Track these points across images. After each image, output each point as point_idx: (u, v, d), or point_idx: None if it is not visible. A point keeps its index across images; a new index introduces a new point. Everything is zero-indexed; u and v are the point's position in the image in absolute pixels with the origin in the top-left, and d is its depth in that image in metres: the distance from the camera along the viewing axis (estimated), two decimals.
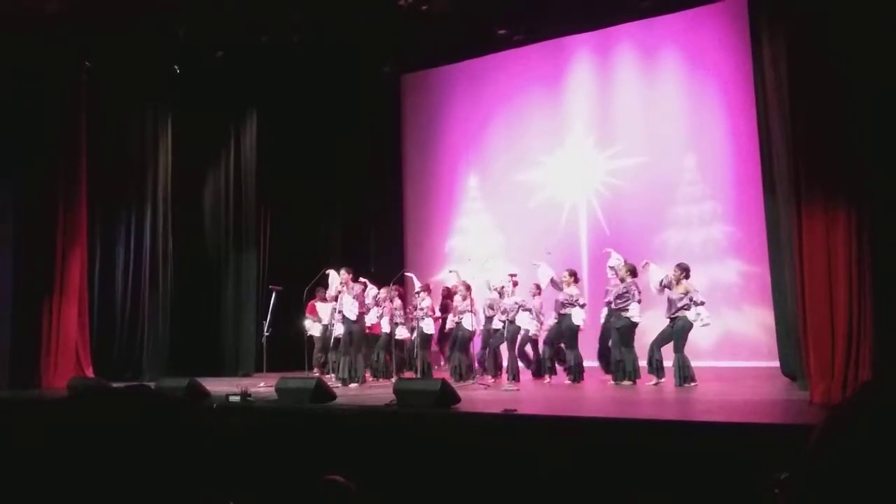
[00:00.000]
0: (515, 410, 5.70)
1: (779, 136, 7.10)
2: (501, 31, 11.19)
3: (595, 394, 7.89)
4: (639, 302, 8.44)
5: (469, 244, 12.67)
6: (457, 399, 6.22)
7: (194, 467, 0.96)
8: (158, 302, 11.04)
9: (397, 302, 10.38)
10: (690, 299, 8.13)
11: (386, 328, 10.18)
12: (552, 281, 9.06)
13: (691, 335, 8.28)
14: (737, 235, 10.60)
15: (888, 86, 6.08)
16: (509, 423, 5.52)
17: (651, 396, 7.48)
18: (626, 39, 11.62)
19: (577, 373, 8.81)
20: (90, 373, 9.74)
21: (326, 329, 10.12)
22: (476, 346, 9.87)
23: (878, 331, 5.94)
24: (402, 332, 10.08)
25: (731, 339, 10.39)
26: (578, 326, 8.87)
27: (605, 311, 8.86)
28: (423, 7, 9.85)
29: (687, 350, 8.13)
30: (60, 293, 9.72)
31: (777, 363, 8.52)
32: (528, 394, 7.94)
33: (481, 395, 7.66)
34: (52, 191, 9.82)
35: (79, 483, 0.90)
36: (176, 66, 11.19)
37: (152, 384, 7.52)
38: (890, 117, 6.08)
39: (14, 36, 9.02)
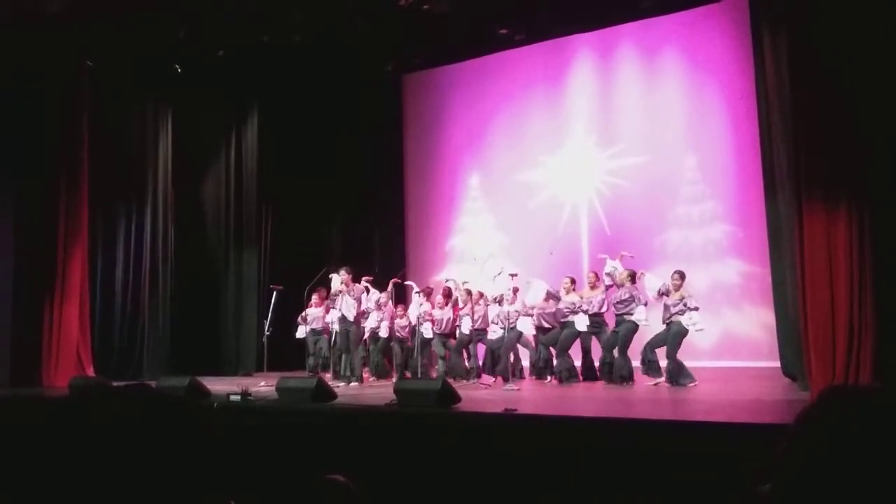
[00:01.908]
0: (516, 410, 5.70)
1: (780, 135, 7.10)
2: (502, 31, 11.18)
3: (595, 394, 7.89)
4: (645, 304, 8.47)
5: (470, 244, 12.67)
6: (457, 399, 6.22)
7: (194, 466, 0.96)
8: (159, 301, 11.04)
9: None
10: (685, 304, 8.16)
11: (384, 333, 10.12)
12: (548, 293, 9.08)
13: (690, 336, 8.29)
14: (738, 235, 10.59)
15: (889, 86, 6.08)
16: (510, 423, 5.52)
17: (651, 396, 7.47)
18: (626, 39, 11.61)
19: (565, 378, 8.83)
20: (91, 372, 9.75)
21: (313, 332, 10.11)
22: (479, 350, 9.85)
23: (879, 330, 5.95)
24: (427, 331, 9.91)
25: (731, 339, 10.38)
26: (580, 332, 8.88)
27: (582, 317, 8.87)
28: (424, 7, 9.85)
29: (688, 350, 8.15)
30: (61, 292, 9.72)
31: (778, 363, 8.52)
32: (528, 393, 7.94)
33: (482, 394, 7.66)
34: (53, 190, 9.83)
35: (80, 481, 0.90)
36: (177, 66, 11.19)
37: (153, 383, 7.53)
38: (891, 117, 6.08)
39: (14, 35, 9.02)
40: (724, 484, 4.00)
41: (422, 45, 11.67)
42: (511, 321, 9.06)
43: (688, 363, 8.23)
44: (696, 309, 8.19)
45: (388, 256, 12.96)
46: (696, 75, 11.12)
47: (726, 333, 10.39)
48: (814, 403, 0.96)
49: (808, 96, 6.40)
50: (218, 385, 8.09)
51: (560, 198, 12.05)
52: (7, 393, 8.61)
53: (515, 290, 9.31)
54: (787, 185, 6.85)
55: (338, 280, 9.69)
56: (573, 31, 11.64)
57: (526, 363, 9.87)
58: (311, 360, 10.09)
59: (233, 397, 7.02)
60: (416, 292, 10.16)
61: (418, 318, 9.62)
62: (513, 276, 9.40)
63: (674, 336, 8.16)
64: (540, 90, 12.36)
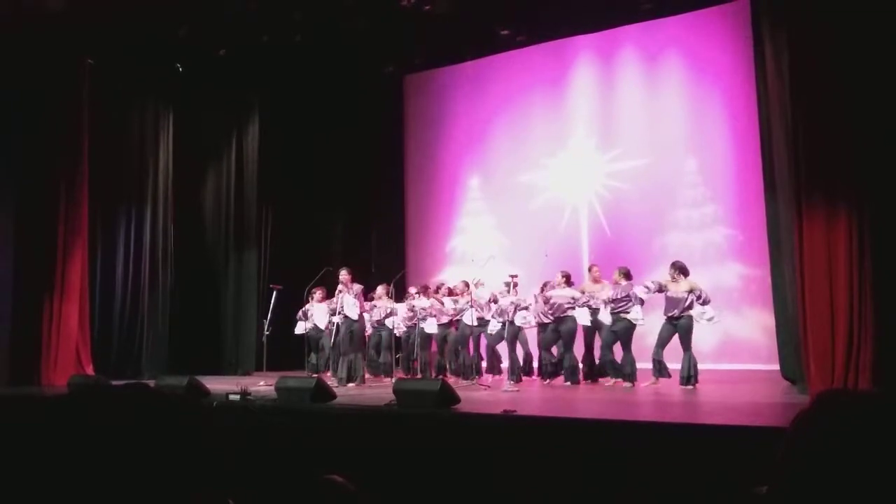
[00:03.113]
0: (515, 411, 5.70)
1: (780, 138, 7.10)
2: (504, 32, 11.19)
3: (595, 395, 7.88)
4: (642, 304, 8.47)
5: (470, 245, 12.67)
6: (456, 399, 6.21)
7: (193, 465, 0.96)
8: (159, 300, 11.05)
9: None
10: (697, 297, 8.12)
11: (389, 324, 10.24)
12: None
13: (694, 338, 8.28)
14: (738, 238, 10.59)
15: (889, 88, 6.08)
16: (509, 424, 5.51)
17: (651, 398, 7.47)
18: (628, 41, 11.61)
19: (572, 375, 8.82)
20: (90, 371, 9.75)
21: (316, 329, 10.12)
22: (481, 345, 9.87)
23: (878, 334, 5.95)
24: (431, 327, 9.98)
25: (731, 342, 10.38)
26: (579, 327, 8.88)
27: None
28: (426, 7, 9.85)
29: None
30: (61, 291, 9.73)
31: (777, 366, 8.52)
32: (527, 395, 7.93)
33: (481, 395, 7.66)
34: (54, 189, 9.83)
35: (79, 480, 0.90)
36: (178, 65, 11.19)
37: (152, 382, 7.52)
38: (890, 120, 6.08)
39: (15, 34, 9.03)
40: (723, 486, 4.00)
41: (423, 45, 11.67)
42: (508, 315, 9.08)
43: None
44: (709, 301, 8.17)
45: (388, 257, 12.96)
46: (697, 78, 11.13)
47: (726, 336, 10.38)
48: (810, 407, 0.96)
49: (809, 99, 6.40)
50: (217, 384, 8.08)
51: (560, 200, 12.06)
52: (6, 391, 8.61)
53: (515, 285, 9.32)
54: (787, 188, 6.85)
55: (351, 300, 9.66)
56: (574, 33, 11.65)
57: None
58: (312, 358, 10.10)
59: (232, 397, 7.01)
60: (416, 292, 10.22)
61: (416, 313, 9.70)
62: (513, 276, 9.40)
63: (687, 331, 8.13)
64: (541, 92, 12.36)
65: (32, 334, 9.55)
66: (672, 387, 8.02)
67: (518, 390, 8.10)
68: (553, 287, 9.07)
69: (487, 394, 7.89)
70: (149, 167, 11.19)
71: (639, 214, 11.28)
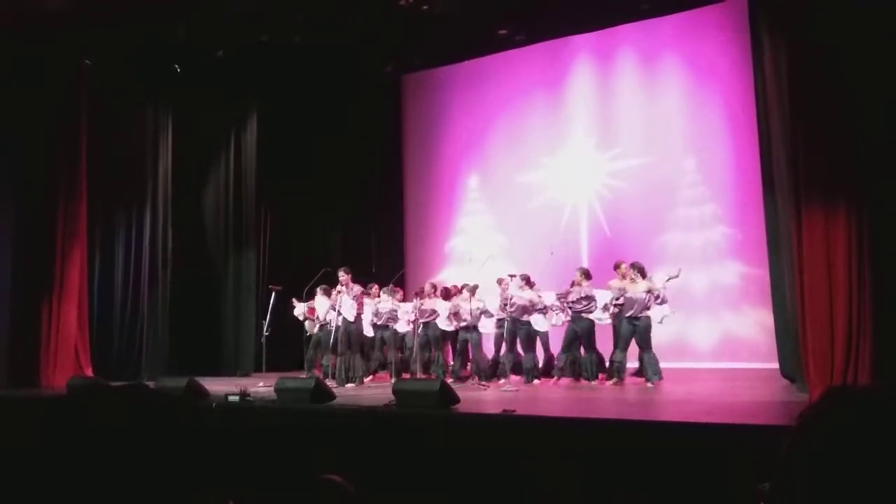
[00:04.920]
0: (515, 411, 5.70)
1: (779, 137, 7.10)
2: (502, 32, 11.18)
3: (594, 395, 7.88)
4: (605, 308, 8.53)
5: (470, 245, 12.67)
6: (456, 399, 6.22)
7: (192, 466, 0.96)
8: (158, 301, 11.03)
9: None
10: (655, 297, 8.16)
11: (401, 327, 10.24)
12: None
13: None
14: (737, 237, 10.59)
15: (888, 87, 6.09)
16: (508, 424, 5.52)
17: (649, 398, 7.47)
18: (626, 41, 11.62)
19: (530, 375, 8.91)
20: (89, 372, 9.74)
21: (323, 327, 10.10)
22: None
23: (877, 332, 5.95)
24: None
25: (730, 341, 10.38)
26: (539, 331, 8.96)
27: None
28: (424, 7, 9.85)
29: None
30: (60, 292, 9.72)
31: (776, 365, 8.53)
32: (527, 394, 7.94)
33: (481, 395, 7.66)
34: (53, 190, 9.82)
35: (77, 482, 0.90)
36: (176, 66, 11.19)
37: (151, 384, 7.53)
38: (890, 118, 6.08)
39: (14, 34, 9.02)
40: (724, 484, 4.00)
41: (422, 45, 11.66)
42: (472, 319, 9.10)
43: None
44: (666, 301, 8.21)
45: (387, 257, 12.96)
46: (696, 77, 11.13)
47: (725, 335, 10.38)
48: (817, 402, 0.95)
49: (807, 98, 6.40)
50: (216, 385, 8.08)
51: (560, 199, 12.06)
52: (5, 393, 8.60)
53: (474, 289, 9.32)
54: (786, 186, 6.86)
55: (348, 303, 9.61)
56: (573, 33, 11.65)
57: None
58: (310, 353, 10.05)
59: (231, 398, 7.01)
60: (417, 293, 10.20)
61: (415, 312, 9.68)
62: (512, 276, 9.39)
63: (645, 330, 8.19)
64: (540, 91, 12.36)
65: (31, 336, 9.54)
66: (670, 387, 8.02)
67: (517, 390, 8.10)
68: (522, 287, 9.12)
69: (487, 394, 7.90)
70: (148, 167, 11.17)
71: (638, 214, 11.28)
